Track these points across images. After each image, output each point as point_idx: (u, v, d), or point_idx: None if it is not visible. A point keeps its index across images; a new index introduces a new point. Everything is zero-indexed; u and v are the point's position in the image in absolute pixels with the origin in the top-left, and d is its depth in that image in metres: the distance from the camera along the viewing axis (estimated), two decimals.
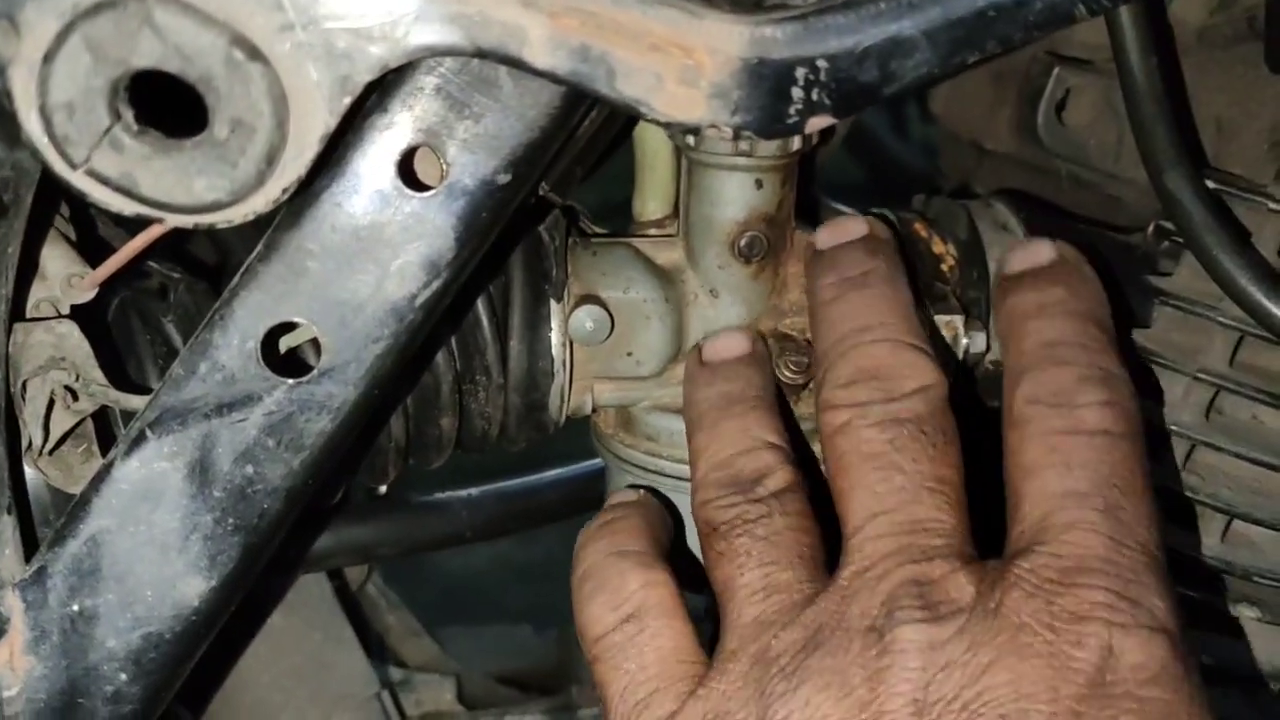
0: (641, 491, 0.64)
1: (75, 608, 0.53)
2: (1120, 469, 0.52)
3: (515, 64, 0.48)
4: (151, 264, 0.64)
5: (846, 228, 0.62)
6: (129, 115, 0.47)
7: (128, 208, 0.48)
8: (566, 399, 0.65)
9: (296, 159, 0.48)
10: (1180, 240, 0.63)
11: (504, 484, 0.86)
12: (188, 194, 0.48)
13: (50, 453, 0.57)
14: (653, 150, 0.67)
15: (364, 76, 0.48)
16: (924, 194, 0.73)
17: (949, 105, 0.84)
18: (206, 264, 0.69)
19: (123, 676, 0.54)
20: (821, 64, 0.49)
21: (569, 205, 0.66)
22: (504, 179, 0.51)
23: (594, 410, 0.67)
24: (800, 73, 0.49)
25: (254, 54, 0.46)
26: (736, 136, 0.50)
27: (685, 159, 0.64)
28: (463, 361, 0.64)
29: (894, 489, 0.53)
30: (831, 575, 0.53)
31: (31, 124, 0.46)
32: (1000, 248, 0.68)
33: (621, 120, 0.61)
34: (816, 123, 0.50)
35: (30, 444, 0.56)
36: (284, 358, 0.54)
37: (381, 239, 0.51)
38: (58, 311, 0.57)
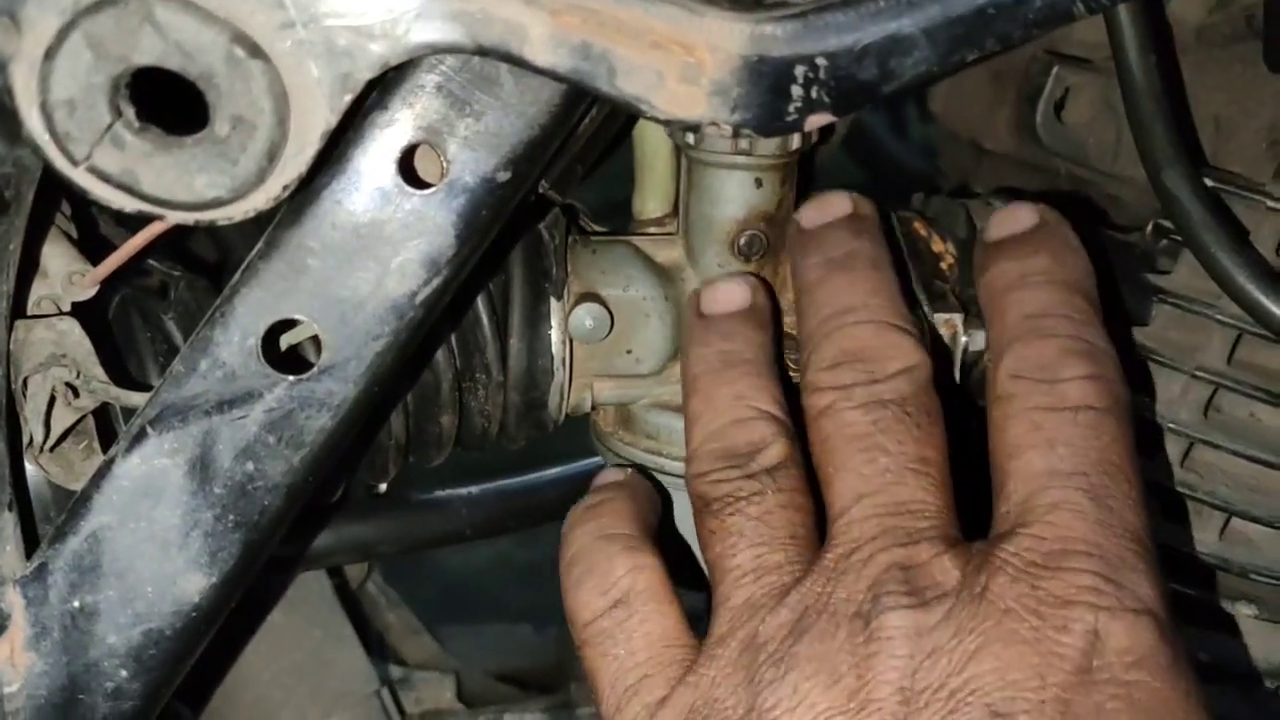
0: (628, 471, 0.63)
1: (76, 604, 0.53)
2: (1104, 445, 0.52)
3: (516, 61, 0.48)
4: (152, 262, 0.64)
5: (830, 205, 0.61)
6: (130, 112, 0.47)
7: (129, 205, 0.48)
8: (566, 397, 0.65)
9: (297, 156, 0.48)
10: (1179, 238, 0.63)
11: (504, 482, 0.87)
12: (189, 191, 0.48)
13: (51, 449, 0.57)
14: (652, 149, 0.67)
15: (365, 74, 0.48)
16: (923, 193, 0.73)
17: (948, 104, 0.84)
18: (207, 262, 0.69)
19: (123, 673, 0.54)
20: (821, 62, 0.49)
21: (569, 203, 0.67)
22: (504, 177, 0.52)
23: (594, 408, 0.67)
24: (800, 71, 0.49)
25: (255, 51, 0.46)
26: (736, 134, 0.50)
27: (685, 158, 0.65)
28: (463, 359, 0.64)
29: (879, 471, 0.53)
30: (819, 554, 0.53)
31: (33, 121, 0.46)
32: None
33: (622, 118, 0.61)
34: (816, 120, 0.50)
35: (31, 441, 0.56)
36: (284, 355, 0.54)
37: (382, 236, 0.51)
38: (59, 309, 0.57)
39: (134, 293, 0.63)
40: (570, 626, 0.57)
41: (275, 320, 0.52)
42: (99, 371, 0.56)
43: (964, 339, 0.65)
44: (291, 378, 0.53)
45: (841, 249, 0.60)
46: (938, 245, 0.67)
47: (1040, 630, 0.48)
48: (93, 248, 0.59)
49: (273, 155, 0.48)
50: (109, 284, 0.58)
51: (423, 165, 0.52)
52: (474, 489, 0.85)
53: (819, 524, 0.55)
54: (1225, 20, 0.67)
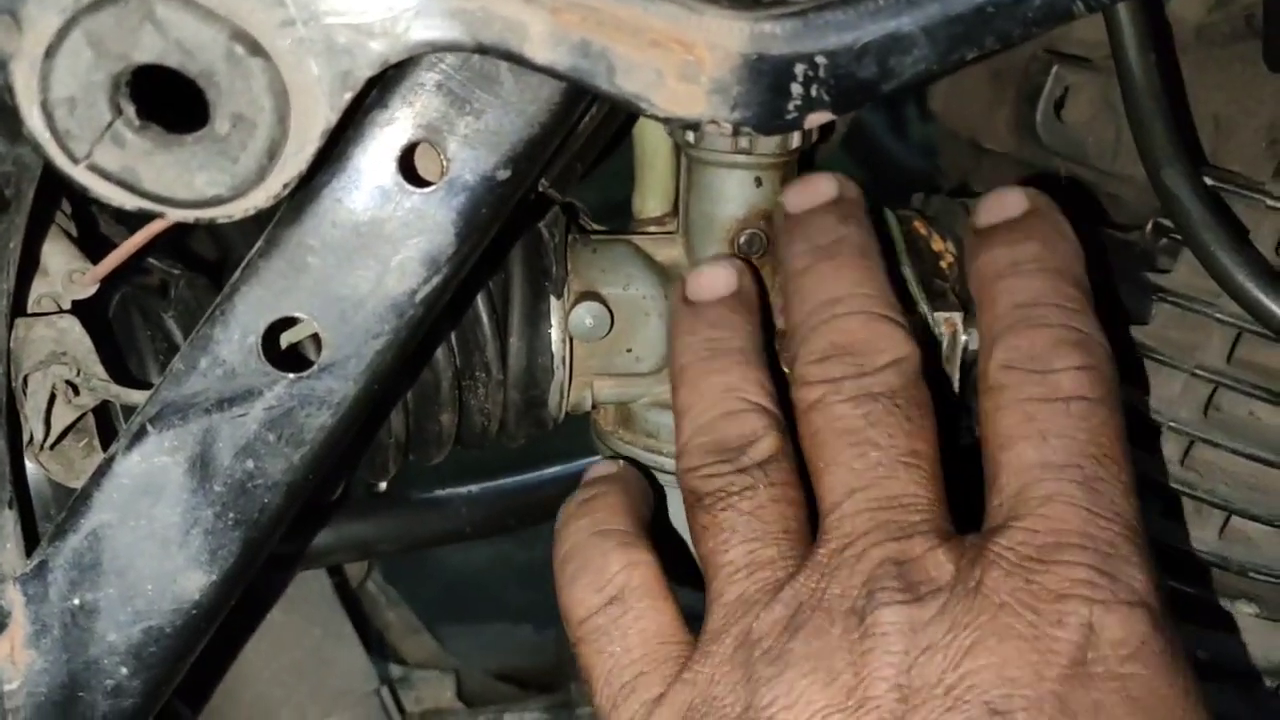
0: (621, 463, 0.63)
1: (76, 602, 0.53)
2: (1097, 436, 0.51)
3: (516, 59, 0.48)
4: (152, 260, 0.64)
5: (816, 188, 0.61)
6: (130, 110, 0.47)
7: (129, 202, 0.48)
8: (566, 395, 0.66)
9: (297, 154, 0.48)
10: (1178, 237, 0.63)
11: (504, 481, 0.87)
12: (189, 189, 0.48)
13: (51, 447, 0.57)
14: (652, 148, 0.67)
15: (365, 72, 0.48)
16: (923, 192, 0.73)
17: (948, 104, 0.84)
18: (207, 260, 0.69)
19: (123, 670, 0.54)
20: (820, 60, 0.49)
21: (569, 202, 0.67)
22: (504, 175, 0.52)
23: (593, 407, 0.67)
24: (799, 69, 0.49)
25: (255, 49, 0.46)
26: (736, 132, 0.50)
27: (685, 156, 0.65)
28: (462, 357, 0.65)
29: (870, 465, 0.53)
30: (812, 549, 0.53)
31: (33, 119, 0.46)
32: None
33: (621, 117, 0.61)
34: (815, 119, 0.50)
35: (31, 438, 0.57)
36: (285, 353, 0.54)
37: (382, 234, 0.51)
38: (59, 307, 0.57)
39: (134, 291, 0.63)
40: (565, 623, 0.57)
41: (275, 318, 0.52)
42: (99, 369, 0.56)
43: (964, 337, 0.65)
44: (291, 375, 0.53)
45: (828, 236, 0.59)
46: (937, 244, 0.67)
47: (1036, 625, 0.48)
48: (93, 246, 0.59)
49: (273, 153, 0.48)
50: (109, 282, 0.58)
51: (423, 163, 0.52)
52: (474, 487, 0.85)
53: (811, 517, 0.55)
54: (1225, 19, 0.67)
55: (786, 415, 0.57)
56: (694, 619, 0.56)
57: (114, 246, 0.56)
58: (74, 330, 0.56)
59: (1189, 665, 0.49)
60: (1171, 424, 0.65)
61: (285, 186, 0.49)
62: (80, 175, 0.47)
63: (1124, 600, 0.48)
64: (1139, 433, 0.54)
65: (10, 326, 0.55)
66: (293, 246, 0.52)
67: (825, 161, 0.73)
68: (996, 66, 0.76)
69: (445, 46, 0.48)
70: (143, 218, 0.51)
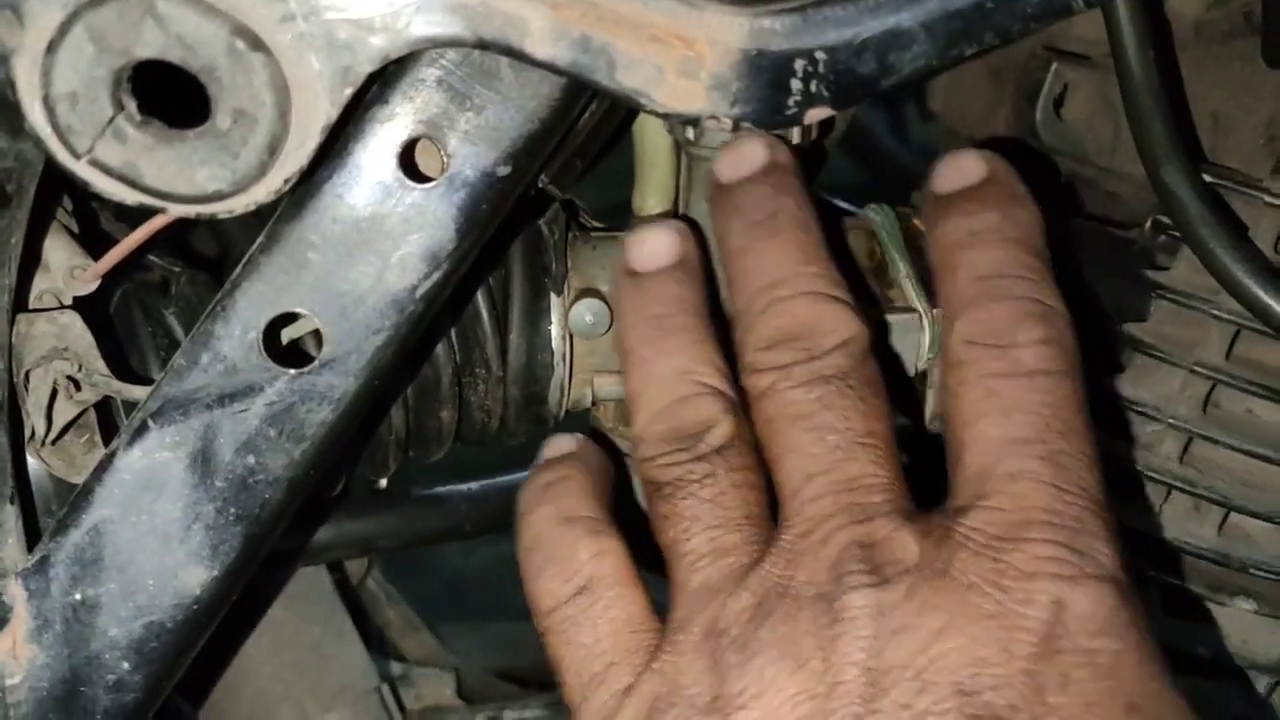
0: (580, 438, 0.61)
1: (78, 596, 0.53)
2: (1060, 410, 0.51)
3: (516, 55, 0.48)
4: (153, 257, 0.64)
5: (747, 155, 0.58)
6: (132, 105, 0.47)
7: (130, 197, 0.48)
8: (566, 392, 0.66)
9: (298, 149, 0.48)
10: (1177, 234, 0.63)
11: (504, 478, 0.87)
12: (190, 184, 0.48)
13: (53, 443, 0.57)
14: (653, 146, 0.67)
15: (365, 67, 0.48)
16: (922, 190, 0.73)
17: (947, 102, 0.84)
18: (207, 257, 0.69)
19: (125, 665, 0.54)
20: (820, 56, 0.49)
21: (569, 200, 0.67)
22: (504, 171, 0.52)
23: (594, 403, 0.67)
24: (799, 64, 0.49)
25: (256, 44, 0.46)
26: (736, 128, 0.50)
27: (685, 154, 0.65)
28: (462, 354, 0.65)
29: (828, 449, 0.52)
30: (775, 534, 0.52)
31: (35, 114, 0.47)
32: None
33: (621, 113, 0.61)
34: (815, 114, 0.50)
35: (33, 434, 0.57)
36: (285, 349, 0.54)
37: (382, 230, 0.52)
38: (60, 303, 0.57)
39: (135, 287, 0.64)
40: (533, 614, 0.56)
41: (276, 314, 0.52)
42: (101, 365, 0.57)
43: None
44: (292, 371, 0.53)
45: (764, 210, 0.57)
46: None
47: (1004, 604, 0.47)
48: (94, 242, 0.59)
49: (274, 148, 0.48)
50: (110, 278, 0.58)
51: (423, 159, 0.52)
52: (474, 485, 0.85)
53: (771, 500, 0.54)
54: (1224, 16, 0.67)
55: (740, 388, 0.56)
56: (662, 607, 0.55)
57: (115, 243, 0.56)
58: (75, 326, 0.57)
59: (1153, 635, 0.48)
60: (1170, 420, 0.65)
61: (286, 182, 0.49)
62: (82, 170, 0.47)
63: (1092, 575, 0.48)
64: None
65: (12, 322, 0.55)
66: (293, 242, 0.52)
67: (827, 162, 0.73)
68: (996, 64, 0.76)
69: (446, 42, 0.48)
70: (144, 213, 0.51)
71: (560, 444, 0.61)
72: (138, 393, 0.56)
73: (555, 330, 0.64)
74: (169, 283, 0.64)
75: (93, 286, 0.57)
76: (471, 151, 0.51)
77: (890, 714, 0.47)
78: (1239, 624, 0.67)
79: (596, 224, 0.68)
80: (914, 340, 0.65)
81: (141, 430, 0.53)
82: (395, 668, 0.99)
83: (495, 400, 0.66)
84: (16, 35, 0.45)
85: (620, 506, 0.59)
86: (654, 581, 0.55)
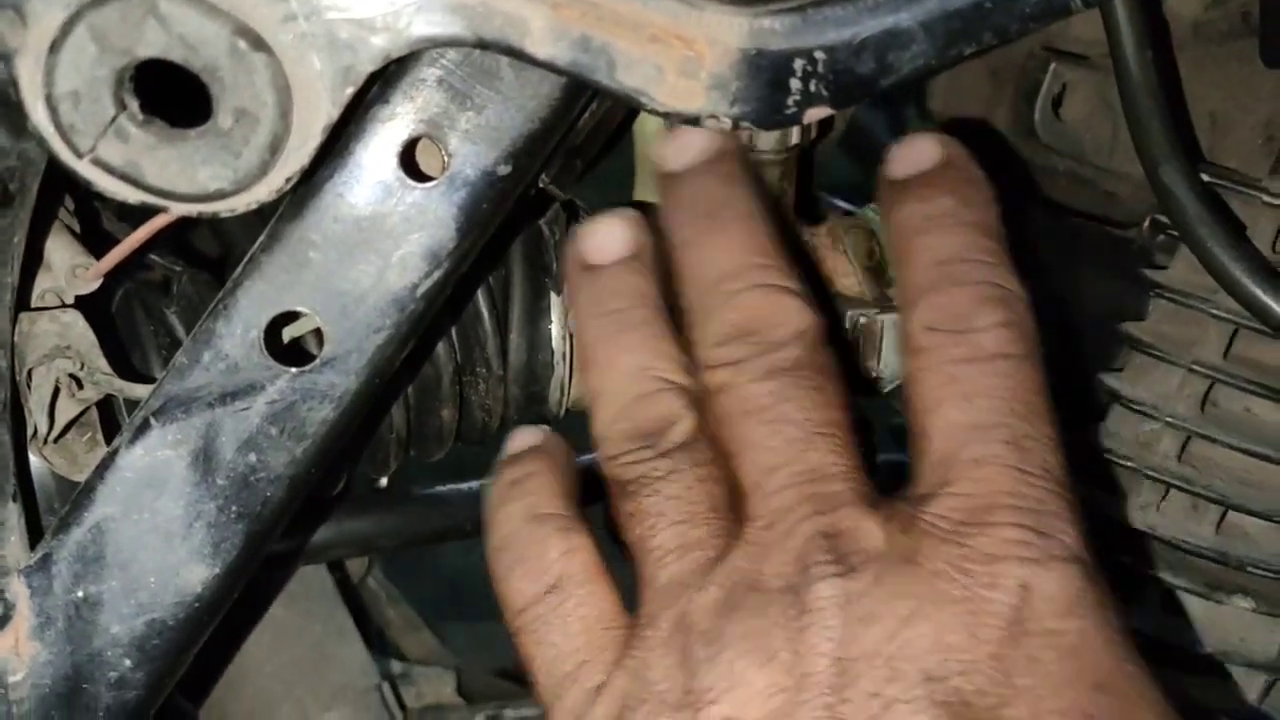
0: (544, 431, 0.61)
1: (80, 594, 0.54)
2: (1022, 393, 0.51)
3: (517, 55, 0.49)
4: (154, 256, 0.64)
5: (690, 143, 0.57)
6: (134, 105, 0.47)
7: (133, 196, 0.48)
8: (566, 391, 0.66)
9: (299, 149, 0.48)
10: (1175, 234, 0.64)
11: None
12: (192, 183, 0.48)
13: (55, 441, 0.57)
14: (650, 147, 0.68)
15: (366, 67, 0.48)
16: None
17: (946, 102, 0.85)
18: (208, 256, 0.70)
19: (127, 662, 0.54)
20: (819, 55, 0.49)
21: (569, 200, 0.67)
22: (505, 170, 0.52)
23: None
24: (798, 64, 0.49)
25: (258, 44, 0.47)
26: (735, 127, 0.50)
27: None
28: (463, 353, 0.65)
29: (786, 441, 0.52)
30: (740, 527, 0.52)
31: (38, 113, 0.47)
32: None
33: (622, 113, 0.61)
34: (814, 113, 0.50)
35: (35, 432, 0.57)
36: (287, 347, 0.54)
37: (383, 229, 0.52)
38: (62, 302, 0.57)
39: (137, 286, 0.64)
40: (504, 614, 0.56)
41: (277, 313, 0.53)
42: (103, 363, 0.57)
43: None
44: (294, 370, 0.53)
45: (712, 201, 0.57)
46: None
47: (970, 589, 0.47)
48: (96, 241, 0.59)
49: (275, 147, 0.48)
50: (112, 278, 0.58)
51: (424, 159, 0.52)
52: (475, 485, 0.85)
53: (735, 491, 0.54)
54: (1222, 17, 0.67)
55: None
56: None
57: (117, 242, 0.57)
58: (78, 325, 0.57)
59: (1119, 614, 0.49)
60: (1169, 419, 0.65)
61: (287, 181, 0.49)
62: (84, 169, 0.48)
63: (1057, 557, 0.48)
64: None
65: (14, 321, 0.56)
66: (295, 241, 0.52)
67: (826, 162, 0.73)
68: (994, 65, 0.77)
69: (446, 42, 0.49)
70: (145, 213, 0.51)
71: (524, 437, 0.60)
72: (139, 391, 0.56)
73: (555, 329, 0.65)
74: (170, 282, 0.64)
75: (95, 285, 0.58)
76: (472, 151, 0.51)
77: (860, 703, 0.46)
78: (1237, 622, 0.67)
79: None
80: None
81: (143, 428, 0.53)
82: (395, 666, 0.99)
83: (496, 399, 0.66)
84: (19, 35, 0.46)
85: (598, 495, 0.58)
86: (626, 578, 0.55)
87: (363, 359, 0.53)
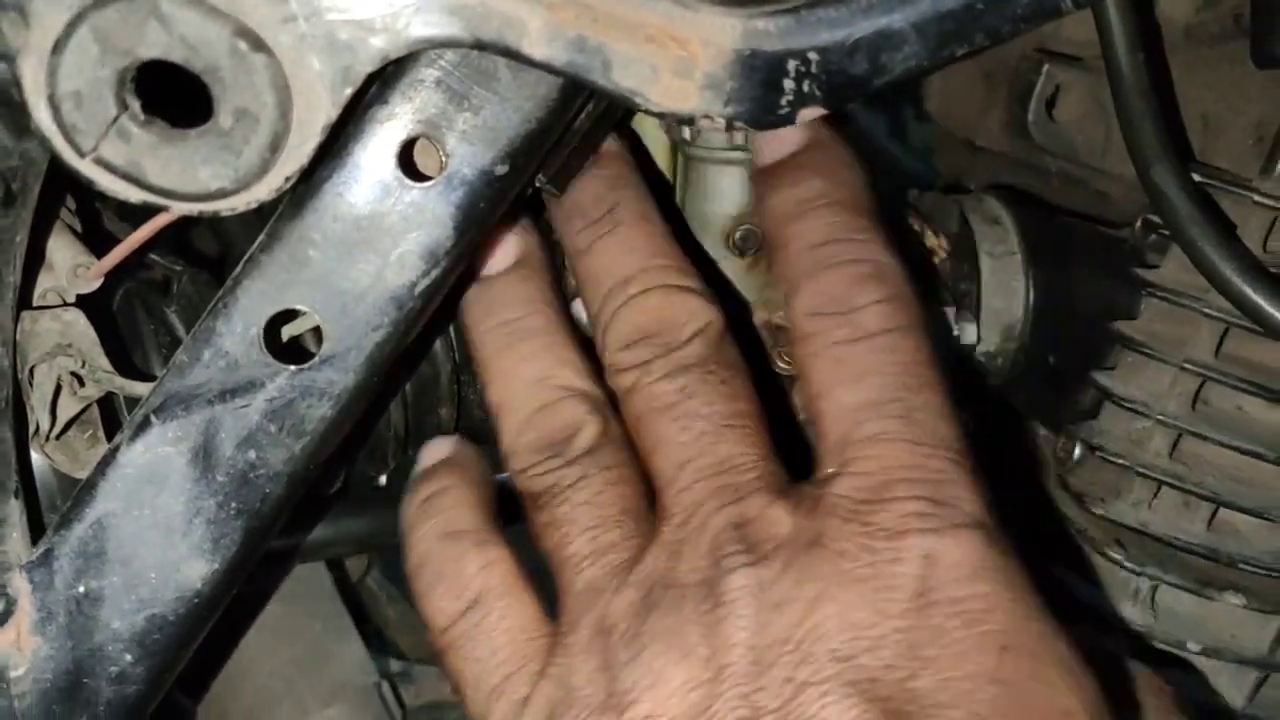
0: (455, 442, 0.61)
1: (81, 589, 0.54)
2: (908, 366, 0.52)
3: (513, 55, 0.49)
4: (154, 256, 0.65)
5: None
6: (136, 105, 0.48)
7: (134, 195, 0.49)
8: None
9: (299, 148, 0.49)
10: (1167, 233, 0.64)
11: (502, 476, 0.87)
12: (193, 182, 0.49)
13: (57, 438, 0.58)
14: (650, 146, 0.68)
15: (365, 68, 0.48)
16: (917, 189, 0.74)
17: (942, 104, 0.85)
18: (208, 256, 0.70)
19: (127, 657, 0.55)
20: (813, 56, 0.50)
21: None
22: (502, 170, 0.52)
23: None
24: (792, 65, 0.50)
25: (258, 45, 0.47)
26: (729, 127, 0.51)
27: (681, 154, 0.65)
28: (461, 352, 0.65)
29: (695, 436, 0.53)
30: (655, 527, 0.53)
31: (40, 113, 0.47)
32: (991, 241, 0.69)
33: (618, 114, 0.62)
34: (808, 114, 0.51)
35: (37, 429, 0.57)
36: (286, 345, 0.54)
37: (382, 228, 0.52)
38: (64, 300, 0.58)
39: (138, 285, 0.64)
40: (429, 634, 0.56)
41: (277, 311, 0.53)
42: (104, 361, 0.57)
43: (955, 331, 0.66)
44: (293, 367, 0.53)
45: (602, 207, 0.58)
46: (931, 240, 0.68)
47: (875, 566, 0.48)
48: (97, 241, 0.60)
49: (275, 147, 0.48)
50: (113, 277, 0.59)
51: (422, 158, 0.52)
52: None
53: (649, 492, 0.55)
54: (1214, 19, 0.67)
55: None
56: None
57: (118, 241, 0.57)
58: (79, 323, 0.57)
59: (1024, 574, 0.49)
60: (1160, 417, 0.66)
61: (287, 180, 0.49)
62: (86, 169, 0.48)
63: (958, 524, 0.48)
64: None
65: (17, 319, 0.56)
66: (294, 240, 0.52)
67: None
68: (988, 66, 0.77)
69: (444, 43, 0.49)
70: (146, 212, 0.51)
71: (436, 449, 0.61)
72: (140, 389, 0.56)
73: None
74: (171, 281, 0.65)
75: (96, 284, 0.58)
76: (469, 151, 0.52)
77: (773, 689, 0.47)
78: (1228, 618, 0.68)
79: None
80: None
81: (144, 426, 0.54)
82: (394, 665, 0.99)
83: None
84: (22, 35, 0.46)
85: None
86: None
87: (361, 357, 0.54)
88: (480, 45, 0.49)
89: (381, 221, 0.52)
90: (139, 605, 0.54)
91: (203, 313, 0.54)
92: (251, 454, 0.54)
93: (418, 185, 0.52)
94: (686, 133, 0.63)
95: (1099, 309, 0.68)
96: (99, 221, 0.63)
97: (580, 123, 0.58)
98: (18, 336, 0.56)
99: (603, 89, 0.50)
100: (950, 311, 0.66)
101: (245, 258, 0.53)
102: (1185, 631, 0.68)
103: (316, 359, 0.53)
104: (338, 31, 0.48)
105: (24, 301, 0.57)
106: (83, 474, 0.56)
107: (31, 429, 0.57)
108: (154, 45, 0.47)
